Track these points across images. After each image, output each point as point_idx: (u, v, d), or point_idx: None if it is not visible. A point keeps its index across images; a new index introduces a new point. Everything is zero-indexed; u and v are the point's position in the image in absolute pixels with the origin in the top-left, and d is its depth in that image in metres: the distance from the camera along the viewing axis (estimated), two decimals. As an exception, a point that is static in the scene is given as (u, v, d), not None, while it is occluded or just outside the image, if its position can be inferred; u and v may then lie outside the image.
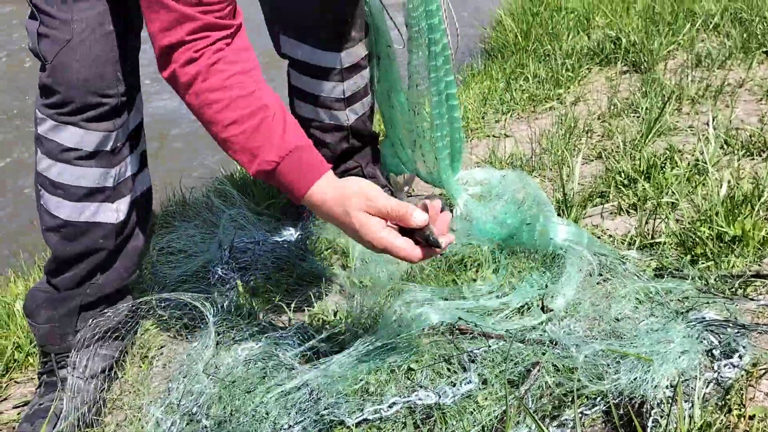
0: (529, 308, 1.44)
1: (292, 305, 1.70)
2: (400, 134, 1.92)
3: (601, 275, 1.53)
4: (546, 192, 1.95)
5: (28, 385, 1.61)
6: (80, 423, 1.36)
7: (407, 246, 1.10)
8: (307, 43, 1.76)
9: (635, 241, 1.66)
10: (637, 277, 1.49)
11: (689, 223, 1.69)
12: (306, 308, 1.68)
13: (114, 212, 1.43)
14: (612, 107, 2.47)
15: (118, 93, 1.36)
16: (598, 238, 1.71)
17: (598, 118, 2.42)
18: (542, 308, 1.35)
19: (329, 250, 1.89)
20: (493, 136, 2.47)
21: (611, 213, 1.84)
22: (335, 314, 1.60)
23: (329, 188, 1.16)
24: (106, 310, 1.48)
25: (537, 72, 2.85)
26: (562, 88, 2.71)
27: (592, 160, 2.15)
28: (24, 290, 1.89)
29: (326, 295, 1.72)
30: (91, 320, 1.47)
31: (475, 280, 1.54)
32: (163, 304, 1.67)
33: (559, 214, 1.78)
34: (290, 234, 1.99)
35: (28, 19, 1.32)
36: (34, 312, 1.45)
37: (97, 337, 1.46)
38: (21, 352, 1.67)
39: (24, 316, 1.52)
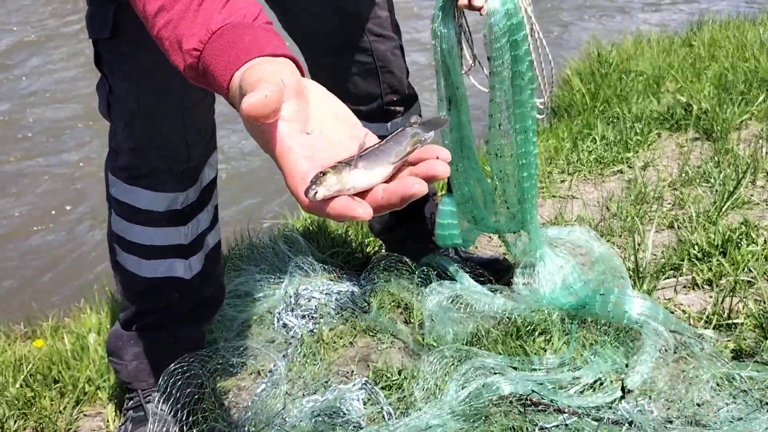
0: (601, 384, 1.41)
1: (356, 359, 1.71)
2: (473, 188, 1.75)
3: (676, 353, 1.49)
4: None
5: (96, 419, 1.65)
6: None
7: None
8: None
9: (711, 319, 1.61)
10: (715, 358, 1.45)
11: (768, 303, 1.64)
12: (370, 363, 1.69)
13: (187, 268, 1.48)
14: (683, 175, 2.43)
15: (187, 158, 1.38)
16: (672, 313, 1.67)
17: (669, 186, 2.39)
18: (622, 389, 1.32)
19: (392, 304, 1.90)
20: (559, 196, 2.46)
21: (685, 287, 1.80)
22: (400, 373, 1.60)
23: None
24: (184, 354, 1.52)
25: (605, 134, 2.84)
26: (630, 151, 2.69)
27: (663, 230, 2.12)
28: (97, 322, 1.95)
29: (391, 350, 1.72)
30: (173, 360, 1.51)
31: (545, 350, 1.52)
32: (231, 349, 1.70)
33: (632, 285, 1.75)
34: (354, 284, 2.01)
35: (98, 83, 1.36)
36: (119, 350, 1.50)
37: (178, 376, 1.50)
38: (91, 385, 1.72)
39: (107, 356, 1.56)
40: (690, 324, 1.61)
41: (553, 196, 2.46)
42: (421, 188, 0.61)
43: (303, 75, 0.72)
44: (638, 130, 2.81)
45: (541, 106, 1.64)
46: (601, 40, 3.98)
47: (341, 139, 0.68)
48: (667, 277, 1.84)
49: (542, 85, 1.61)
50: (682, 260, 1.88)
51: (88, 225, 3.01)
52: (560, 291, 1.69)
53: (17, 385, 1.71)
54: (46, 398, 1.67)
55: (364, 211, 0.60)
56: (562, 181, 2.57)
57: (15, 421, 1.61)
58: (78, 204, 3.16)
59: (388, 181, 0.65)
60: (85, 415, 1.66)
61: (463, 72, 1.59)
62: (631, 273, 1.81)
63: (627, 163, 2.63)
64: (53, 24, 5.14)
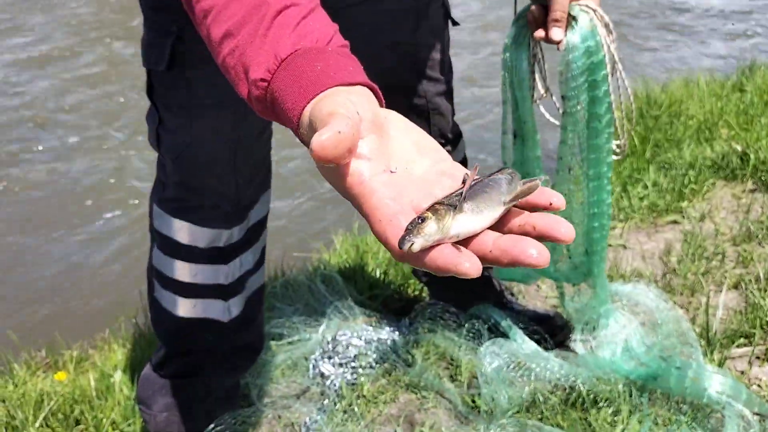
0: (680, 471, 1.27)
1: (400, 419, 1.59)
2: None
3: (758, 438, 1.35)
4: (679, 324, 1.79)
5: (118, 468, 1.54)
6: None
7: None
8: None
9: (794, 399, 1.47)
10: (803, 447, 1.31)
11: None
12: (415, 424, 1.56)
13: (226, 310, 1.38)
14: (744, 229, 2.30)
15: (236, 197, 1.31)
16: (748, 387, 1.53)
17: (730, 241, 2.25)
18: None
19: (438, 357, 1.77)
20: (611, 245, 2.33)
21: (759, 359, 1.66)
22: (449, 439, 1.47)
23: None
24: (222, 406, 1.42)
25: (657, 180, 2.71)
26: (685, 200, 2.56)
27: (729, 290, 1.98)
28: (123, 358, 1.85)
29: (437, 411, 1.60)
30: (204, 413, 1.40)
31: (612, 426, 1.39)
32: (266, 401, 1.59)
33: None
34: (394, 330, 1.89)
35: (148, 113, 1.30)
36: (149, 399, 1.40)
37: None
38: (115, 429, 1.60)
39: (137, 402, 1.46)
40: (769, 403, 1.47)
41: (604, 245, 2.33)
42: (539, 260, 0.50)
43: (382, 104, 0.63)
44: (692, 178, 2.68)
45: (618, 149, 1.52)
46: (650, 80, 3.87)
47: (429, 175, 0.59)
48: (738, 346, 1.70)
49: (620, 128, 1.50)
50: (754, 327, 1.74)
51: (119, 254, 2.93)
52: (622, 356, 1.56)
53: (37, 425, 1.60)
54: (66, 441, 1.57)
55: (472, 266, 0.50)
56: (613, 228, 2.44)
57: (32, 465, 1.50)
58: (113, 232, 3.09)
59: (494, 227, 0.55)
60: (107, 463, 1.55)
61: (535, 101, 1.49)
62: (700, 340, 1.68)
63: (682, 212, 2.50)
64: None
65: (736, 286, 1.99)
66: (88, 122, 4.06)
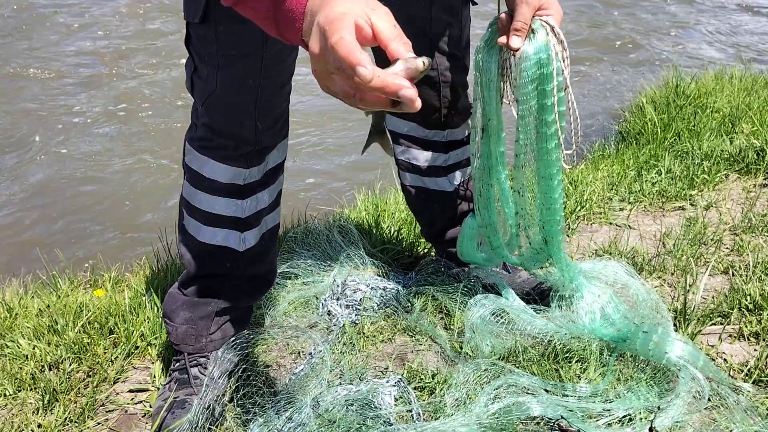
0: (631, 420, 1.42)
1: (393, 356, 1.76)
2: (493, 216, 1.77)
3: (710, 401, 1.49)
4: (664, 298, 1.92)
5: (144, 373, 1.75)
6: (209, 417, 1.48)
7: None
8: (414, 122, 1.81)
9: (753, 373, 1.60)
10: (749, 413, 1.44)
11: (814, 366, 1.62)
12: (406, 362, 1.74)
13: (241, 241, 1.56)
14: (746, 221, 2.39)
15: (255, 141, 1.47)
16: (713, 360, 1.67)
17: (730, 230, 2.35)
18: (651, 429, 1.34)
19: (435, 308, 1.94)
20: (616, 224, 2.45)
21: (731, 336, 1.79)
22: (434, 376, 1.64)
23: None
24: (235, 325, 1.61)
25: (671, 167, 2.80)
26: (695, 189, 2.65)
27: (717, 274, 2.09)
28: (155, 282, 2.06)
29: (427, 353, 1.77)
30: (219, 330, 1.60)
31: (579, 378, 1.54)
32: (276, 328, 1.78)
33: (675, 326, 1.75)
34: (400, 282, 2.06)
35: (186, 61, 1.47)
36: (172, 313, 1.60)
37: (223, 345, 1.58)
38: (143, 340, 1.82)
39: (162, 315, 1.66)
40: (730, 375, 1.61)
41: (610, 223, 2.45)
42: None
43: None
44: (706, 168, 2.76)
45: (566, 158, 1.62)
46: (682, 69, 3.90)
47: None
48: (714, 324, 1.83)
49: (571, 137, 1.59)
50: (732, 309, 1.87)
51: (164, 193, 3.17)
52: (600, 322, 1.71)
53: (75, 330, 1.83)
54: (100, 346, 1.79)
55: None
56: (621, 209, 2.56)
57: (70, 364, 1.73)
58: (162, 172, 3.33)
59: None
60: (134, 367, 1.77)
61: (506, 103, 1.61)
62: (676, 314, 1.81)
63: (690, 200, 2.60)
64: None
65: (725, 271, 2.10)
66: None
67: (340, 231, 2.29)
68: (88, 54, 4.60)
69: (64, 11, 5.24)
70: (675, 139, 3.08)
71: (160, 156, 3.46)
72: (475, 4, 1.69)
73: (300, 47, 0.96)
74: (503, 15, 1.49)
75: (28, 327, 1.85)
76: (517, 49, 1.45)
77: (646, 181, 2.72)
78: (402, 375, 1.65)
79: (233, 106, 1.42)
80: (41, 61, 4.49)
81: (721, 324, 1.82)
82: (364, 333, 1.84)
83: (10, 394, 1.64)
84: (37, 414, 1.58)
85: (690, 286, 1.96)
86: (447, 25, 1.64)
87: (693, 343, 1.59)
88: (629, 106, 3.77)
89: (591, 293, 1.68)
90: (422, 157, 1.87)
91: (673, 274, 2.09)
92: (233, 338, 1.62)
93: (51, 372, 1.71)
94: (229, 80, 1.40)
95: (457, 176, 1.90)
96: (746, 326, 1.80)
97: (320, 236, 2.27)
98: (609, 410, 1.42)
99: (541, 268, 1.79)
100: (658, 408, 1.40)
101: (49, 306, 1.97)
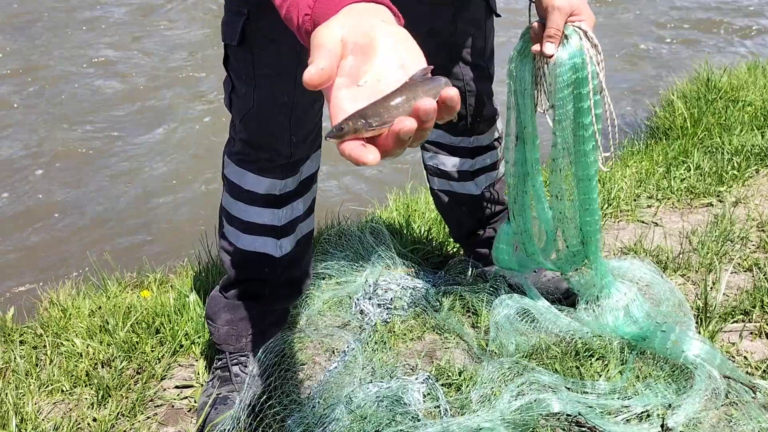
0: (648, 416, 1.49)
1: (422, 353, 1.85)
2: (528, 223, 1.80)
3: (727, 397, 1.54)
4: (687, 295, 1.96)
5: (189, 370, 1.88)
6: (250, 413, 1.58)
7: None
8: (441, 129, 1.88)
9: (772, 370, 1.65)
10: (765, 409, 1.49)
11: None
12: (434, 359, 1.82)
13: (278, 248, 1.66)
14: (774, 217, 2.40)
15: (290, 154, 1.56)
16: (732, 358, 1.71)
17: (757, 227, 2.37)
18: (662, 425, 1.40)
19: (463, 307, 2.02)
20: (642, 222, 2.49)
21: (752, 334, 1.82)
22: (460, 373, 1.72)
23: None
24: (273, 327, 1.72)
25: (700, 163, 2.81)
26: (724, 185, 2.67)
27: (742, 271, 2.12)
28: (198, 284, 2.18)
29: (455, 351, 1.85)
30: (259, 331, 1.70)
31: (599, 375, 1.61)
32: (312, 327, 1.88)
33: (697, 324, 1.80)
34: (429, 282, 2.14)
35: (224, 80, 1.56)
36: (214, 315, 1.71)
37: (263, 345, 1.70)
38: (188, 339, 1.94)
39: (205, 317, 1.78)
40: (748, 372, 1.65)
41: (637, 221, 2.49)
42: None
43: (400, 22, 0.79)
44: (735, 164, 2.77)
45: (603, 160, 1.65)
46: (713, 63, 3.87)
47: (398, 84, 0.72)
48: (735, 321, 1.86)
49: (612, 142, 1.62)
50: (754, 306, 1.90)
51: (200, 199, 3.32)
52: (623, 320, 1.76)
53: (125, 330, 1.96)
54: (148, 345, 1.92)
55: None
56: (649, 206, 2.59)
57: (121, 361, 1.86)
58: (203, 181, 3.47)
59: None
60: (179, 365, 1.89)
61: (541, 112, 1.64)
62: (699, 312, 1.85)
63: (718, 196, 2.61)
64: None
65: (750, 269, 2.13)
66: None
67: (372, 232, 2.38)
68: (134, 65, 4.77)
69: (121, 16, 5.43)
70: (705, 134, 3.08)
71: (201, 165, 3.60)
72: (498, 16, 1.75)
73: None
74: (535, 23, 1.52)
75: (82, 326, 1.99)
76: (551, 56, 1.49)
77: (674, 177, 2.74)
78: (430, 372, 1.74)
79: (269, 122, 1.52)
80: (77, 61, 4.68)
81: (743, 321, 1.86)
82: (394, 331, 1.93)
83: (66, 390, 1.78)
84: (92, 408, 1.71)
85: (713, 283, 1.99)
86: (471, 36, 1.70)
87: (710, 342, 1.64)
88: (659, 100, 3.77)
89: (618, 291, 1.74)
90: (449, 163, 1.95)
91: (697, 271, 2.13)
92: (272, 338, 1.72)
93: (103, 369, 1.84)
94: (265, 98, 1.49)
95: (484, 180, 1.97)
96: (767, 324, 1.83)
97: (353, 237, 2.36)
98: (627, 407, 1.49)
99: (576, 270, 1.84)
100: (669, 406, 1.45)
101: (100, 307, 2.11)
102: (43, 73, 4.57)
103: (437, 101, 0.69)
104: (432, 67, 0.74)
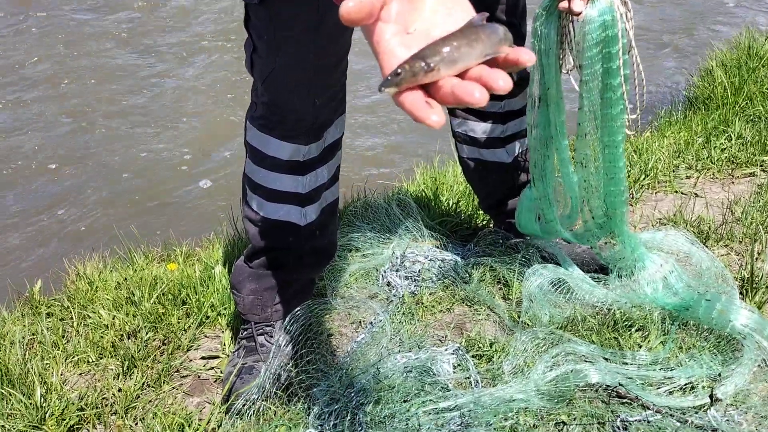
0: (693, 388, 1.41)
1: (452, 325, 1.80)
2: (549, 188, 1.73)
3: (777, 370, 1.46)
4: (730, 267, 1.87)
5: (215, 341, 1.85)
6: (275, 383, 1.56)
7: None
8: None
9: (824, 342, 1.55)
10: (820, 382, 1.41)
11: None
12: (464, 331, 1.77)
13: (302, 216, 1.61)
14: (823, 186, 2.29)
15: (314, 117, 1.51)
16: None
17: (804, 196, 2.26)
18: (711, 396, 1.33)
19: (493, 278, 1.95)
20: (682, 192, 2.39)
21: (801, 305, 1.73)
22: (491, 345, 1.66)
23: None
24: (298, 296, 1.68)
25: (742, 132, 2.69)
26: (767, 154, 2.55)
27: (789, 242, 2.02)
28: (223, 255, 2.15)
29: (485, 323, 1.79)
30: (284, 301, 1.66)
31: (640, 346, 1.53)
32: (338, 298, 1.84)
33: (741, 295, 1.71)
34: (458, 254, 2.08)
35: (245, 42, 1.51)
36: (239, 284, 1.68)
37: (288, 315, 1.66)
38: (214, 310, 1.92)
39: (230, 287, 1.75)
40: (799, 343, 1.56)
41: (676, 192, 2.39)
42: (479, 100, 0.59)
43: None
44: (780, 133, 2.64)
45: (629, 125, 1.58)
46: (756, 30, 3.71)
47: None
48: (784, 292, 1.77)
49: (639, 103, 1.55)
50: (804, 277, 1.80)
51: (224, 170, 3.29)
52: (663, 291, 1.68)
53: (151, 302, 1.94)
54: (174, 316, 1.89)
55: (438, 120, 0.59)
56: (688, 177, 2.49)
57: (147, 332, 1.84)
58: (223, 150, 3.45)
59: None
60: (205, 336, 1.87)
61: (565, 73, 1.57)
62: (744, 282, 1.76)
63: (761, 166, 2.50)
64: None
65: (798, 239, 2.02)
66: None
67: (398, 204, 2.32)
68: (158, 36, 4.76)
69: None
70: (747, 103, 2.95)
71: (226, 135, 3.57)
72: None
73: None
74: None
75: (108, 299, 1.98)
76: (580, 13, 1.42)
77: (714, 147, 2.62)
78: (460, 343, 1.68)
79: (291, 83, 1.47)
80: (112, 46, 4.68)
81: (792, 293, 1.76)
82: (422, 303, 1.88)
83: (93, 361, 1.76)
84: (118, 379, 1.70)
85: (759, 253, 1.90)
86: None
87: (759, 312, 1.55)
88: (698, 69, 3.62)
89: (653, 263, 1.66)
90: (479, 129, 1.87)
91: (740, 242, 2.03)
92: (297, 308, 1.68)
93: (129, 340, 1.82)
94: (287, 59, 1.44)
95: (516, 147, 1.89)
96: (819, 295, 1.73)
97: (379, 210, 2.31)
98: (670, 378, 1.41)
99: (605, 242, 1.77)
100: (719, 375, 1.38)
101: (126, 279, 2.09)
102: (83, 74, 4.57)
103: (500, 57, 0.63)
104: (488, 14, 0.67)
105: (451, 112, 1.88)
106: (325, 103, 1.52)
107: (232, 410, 1.53)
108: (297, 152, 1.55)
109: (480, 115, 1.85)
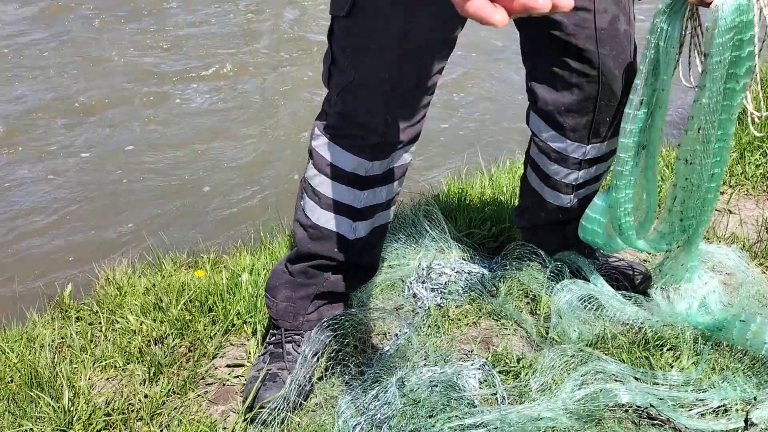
0: (726, 411, 1.37)
1: (478, 339, 1.78)
2: (629, 197, 1.63)
3: (815, 395, 1.41)
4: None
5: (240, 349, 1.85)
6: (300, 393, 1.55)
7: None
8: (556, 130, 1.73)
9: None
10: None
11: None
12: (491, 346, 1.75)
13: (352, 230, 1.61)
14: None
15: (384, 134, 1.50)
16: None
17: (843, 215, 2.20)
18: (746, 420, 1.29)
19: (521, 293, 1.93)
20: (715, 209, 2.34)
21: (840, 328, 1.68)
22: (519, 361, 1.64)
23: None
24: (330, 309, 1.68)
25: (778, 148, 2.64)
26: (804, 171, 2.49)
27: (827, 262, 1.97)
28: (250, 264, 2.16)
29: (512, 338, 1.77)
30: (316, 311, 1.66)
31: (671, 366, 1.50)
32: (364, 309, 1.83)
33: (777, 315, 1.67)
34: (485, 267, 2.06)
35: (325, 54, 1.53)
36: (275, 289, 1.68)
37: (318, 326, 1.66)
38: (240, 318, 1.92)
39: (264, 290, 1.75)
40: (838, 368, 1.51)
41: (708, 208, 2.35)
42: (544, 4, 0.60)
43: None
44: (818, 149, 2.58)
45: (757, 120, 1.50)
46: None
47: None
48: (822, 314, 1.72)
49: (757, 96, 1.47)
50: (843, 298, 1.75)
51: (256, 182, 3.32)
52: (697, 310, 1.65)
53: (178, 308, 1.95)
54: (200, 323, 1.90)
55: (501, 19, 0.61)
56: (722, 193, 2.44)
57: (173, 339, 1.85)
58: (266, 164, 3.48)
59: None
60: (231, 343, 1.87)
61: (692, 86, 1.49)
62: (780, 303, 1.72)
63: (798, 183, 2.44)
64: None
65: (837, 259, 1.97)
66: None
67: (425, 215, 2.31)
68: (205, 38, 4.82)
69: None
70: (783, 118, 2.89)
71: (258, 146, 3.60)
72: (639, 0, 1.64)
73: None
74: None
75: (136, 304, 2.00)
76: (710, 3, 1.35)
77: (749, 163, 2.57)
78: (487, 358, 1.66)
79: (366, 97, 1.47)
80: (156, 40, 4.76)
81: (831, 314, 1.71)
82: (449, 316, 1.86)
83: (120, 366, 1.78)
84: (144, 385, 1.71)
85: (795, 273, 1.85)
86: (608, 15, 1.57)
87: (796, 334, 1.51)
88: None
89: (700, 279, 1.61)
90: (553, 169, 1.79)
91: (777, 261, 1.98)
92: (326, 321, 1.68)
93: (156, 346, 1.84)
94: (365, 72, 1.45)
95: (581, 194, 1.81)
96: None
97: (406, 220, 2.30)
98: (702, 400, 1.38)
99: (667, 251, 1.68)
100: (754, 399, 1.34)
101: (154, 285, 2.11)
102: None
103: None
104: None
105: (533, 139, 1.82)
106: (396, 122, 1.52)
107: (257, 420, 1.53)
108: (360, 166, 1.55)
109: (558, 159, 1.77)
